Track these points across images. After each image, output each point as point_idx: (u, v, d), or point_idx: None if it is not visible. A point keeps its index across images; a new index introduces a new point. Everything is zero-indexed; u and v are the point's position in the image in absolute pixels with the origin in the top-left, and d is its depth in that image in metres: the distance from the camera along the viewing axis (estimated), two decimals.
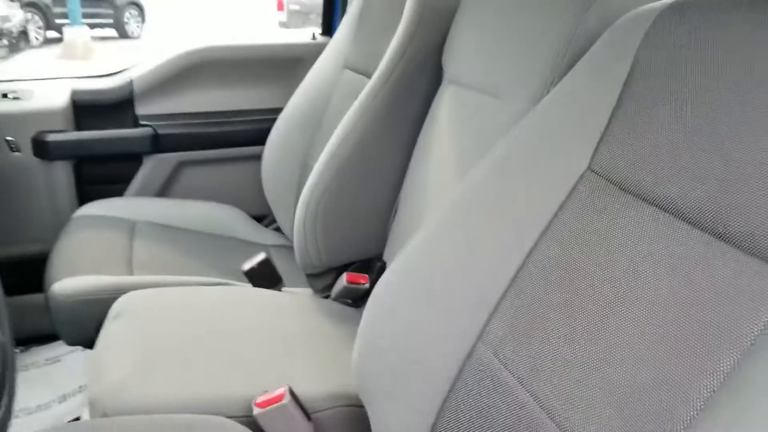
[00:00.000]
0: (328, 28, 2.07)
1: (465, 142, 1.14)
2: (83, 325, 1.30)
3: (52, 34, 9.83)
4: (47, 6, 9.75)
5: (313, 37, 2.05)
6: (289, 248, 1.73)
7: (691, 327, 0.55)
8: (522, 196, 0.78)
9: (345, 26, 1.71)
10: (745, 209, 0.55)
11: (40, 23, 9.77)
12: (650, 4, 0.77)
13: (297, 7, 8.65)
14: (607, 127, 0.73)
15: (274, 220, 1.96)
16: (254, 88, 2.02)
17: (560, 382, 0.64)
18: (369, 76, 1.54)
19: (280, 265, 1.59)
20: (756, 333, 0.51)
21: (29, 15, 9.36)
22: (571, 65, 0.96)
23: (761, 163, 0.55)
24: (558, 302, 0.68)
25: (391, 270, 0.91)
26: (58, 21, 9.74)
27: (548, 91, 0.98)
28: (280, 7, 8.85)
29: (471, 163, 1.11)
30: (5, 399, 0.69)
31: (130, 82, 1.86)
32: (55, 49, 9.38)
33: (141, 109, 1.89)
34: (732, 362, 0.51)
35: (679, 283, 0.58)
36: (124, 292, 1.28)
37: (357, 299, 1.38)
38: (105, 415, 0.96)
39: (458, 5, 1.33)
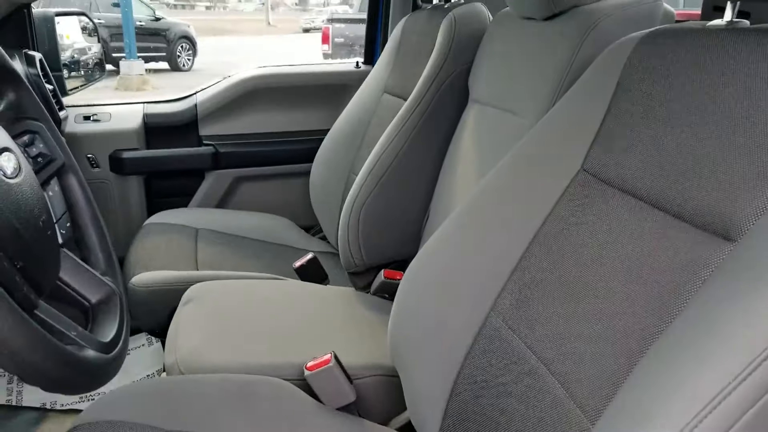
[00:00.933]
0: (371, 58, 2.29)
1: (486, 152, 1.33)
2: (158, 313, 1.50)
3: (108, 66, 10.18)
4: (104, 40, 10.01)
5: (357, 66, 2.27)
6: (334, 255, 1.92)
7: (648, 287, 0.71)
8: (527, 192, 0.95)
9: (385, 55, 1.91)
10: (696, 193, 0.70)
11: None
12: (632, 34, 0.94)
13: (341, 40, 8.96)
14: (596, 135, 0.88)
15: (320, 230, 2.16)
16: (303, 111, 2.24)
17: (553, 335, 0.80)
18: (404, 98, 1.73)
19: (327, 269, 1.78)
20: (696, 289, 0.66)
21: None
22: (570, 85, 1.14)
23: (712, 157, 0.69)
24: (553, 277, 0.84)
25: (421, 252, 1.09)
26: (114, 55, 10.05)
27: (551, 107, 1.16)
28: (325, 40, 9.16)
29: (490, 169, 1.29)
30: (124, 335, 0.89)
31: (195, 106, 2.10)
32: (110, 82, 9.69)
33: (204, 130, 2.13)
34: (677, 313, 0.66)
35: (641, 252, 0.74)
36: (193, 284, 1.47)
37: (393, 293, 1.56)
38: (181, 374, 1.15)
39: (482, 37, 1.52)
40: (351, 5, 12.03)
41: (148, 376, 1.90)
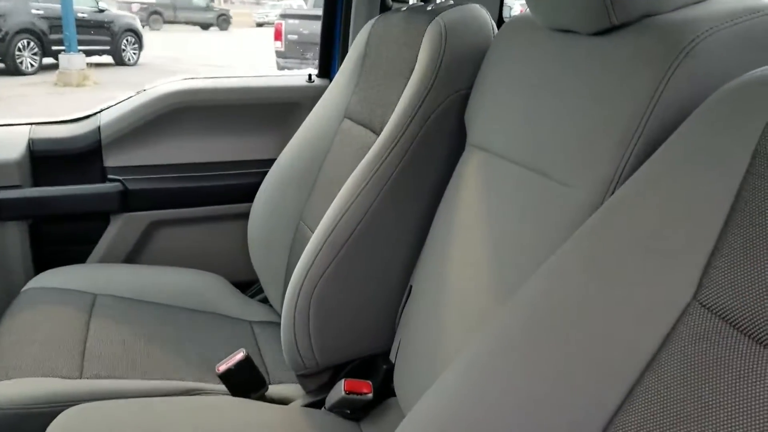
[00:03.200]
0: (327, 71, 1.83)
1: (507, 227, 0.89)
2: None
3: (49, 60, 9.70)
4: (43, 32, 9.66)
5: (310, 79, 1.81)
6: (278, 325, 1.48)
7: None
8: (602, 337, 0.55)
9: (345, 69, 1.47)
10: None
11: (36, 50, 9.65)
12: None
13: (295, 37, 8.47)
14: (719, 240, 0.50)
15: (261, 289, 1.71)
16: (241, 136, 1.77)
17: None
18: (373, 129, 1.30)
19: (269, 346, 1.36)
20: None
21: (24, 42, 9.26)
22: (647, 147, 0.72)
23: None
24: None
25: (412, 425, 0.66)
26: (54, 48, 9.61)
27: (620, 178, 0.73)
28: (278, 37, 8.66)
29: (515, 255, 0.86)
30: None
31: (98, 129, 1.62)
32: (49, 77, 9.25)
33: (109, 161, 1.65)
34: None
35: None
36: (68, 403, 1.04)
37: (357, 410, 1.12)
38: None
39: (484, 54, 1.09)
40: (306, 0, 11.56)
41: None
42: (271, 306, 1.57)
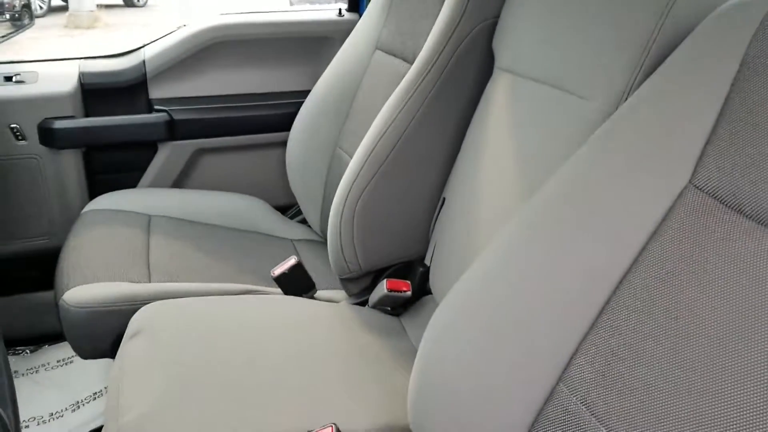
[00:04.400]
0: (356, 5, 1.92)
1: (532, 138, 1.01)
2: (99, 339, 1.19)
3: (57, 2, 9.64)
4: None
5: (340, 14, 1.90)
6: (318, 243, 1.61)
7: None
8: (610, 214, 0.67)
9: (376, 3, 1.56)
10: None
11: None
12: None
13: None
14: (712, 133, 0.62)
15: (299, 212, 1.83)
16: (277, 68, 1.87)
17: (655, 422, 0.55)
18: (405, 59, 1.40)
19: (310, 262, 1.48)
20: None
21: None
22: (655, 62, 0.83)
23: None
24: (661, 340, 0.57)
25: (447, 307, 0.79)
26: None
27: (630, 89, 0.84)
28: None
29: (538, 161, 0.98)
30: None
31: (143, 63, 1.73)
32: (59, 19, 9.20)
33: (155, 93, 1.76)
34: None
35: None
36: (143, 302, 1.18)
37: (396, 306, 1.26)
38: None
39: None
40: None
41: (94, 394, 1.59)
42: (309, 226, 1.70)
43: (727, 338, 0.53)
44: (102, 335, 1.18)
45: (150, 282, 1.27)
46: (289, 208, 1.88)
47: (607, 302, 0.63)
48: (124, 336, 1.08)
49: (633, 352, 0.59)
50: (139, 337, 1.05)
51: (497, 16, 1.19)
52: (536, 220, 0.74)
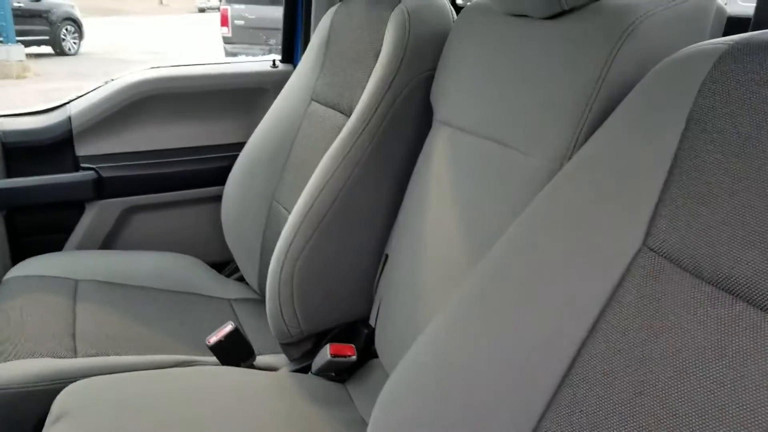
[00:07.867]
0: (290, 56, 1.89)
1: (474, 194, 0.98)
2: (17, 426, 1.09)
3: None
4: None
5: (274, 65, 1.87)
6: (256, 301, 1.55)
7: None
8: (560, 281, 0.63)
9: (310, 54, 1.53)
10: None
11: None
12: (708, 43, 0.62)
13: (242, 23, 8.40)
14: (662, 192, 0.59)
15: (237, 269, 1.77)
16: (210, 121, 1.82)
17: None
18: (341, 111, 1.37)
19: (248, 323, 1.42)
20: None
21: None
22: (599, 116, 0.81)
23: None
24: (626, 417, 0.54)
25: (397, 382, 0.75)
26: None
27: (575, 146, 0.82)
28: (224, 22, 8.56)
29: (480, 218, 0.95)
30: None
31: (68, 120, 1.65)
32: None
33: (81, 150, 1.67)
34: None
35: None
36: (68, 380, 1.09)
37: (342, 372, 1.21)
38: None
39: (445, 38, 1.17)
40: None
41: None
42: (247, 284, 1.63)
43: (695, 417, 0.49)
44: (21, 421, 1.09)
45: (76, 356, 1.18)
46: (225, 265, 1.80)
47: (566, 376, 0.59)
48: (47, 420, 0.99)
49: (597, 431, 0.55)
50: (64, 421, 0.96)
51: (434, 69, 1.18)
52: (485, 290, 0.70)
